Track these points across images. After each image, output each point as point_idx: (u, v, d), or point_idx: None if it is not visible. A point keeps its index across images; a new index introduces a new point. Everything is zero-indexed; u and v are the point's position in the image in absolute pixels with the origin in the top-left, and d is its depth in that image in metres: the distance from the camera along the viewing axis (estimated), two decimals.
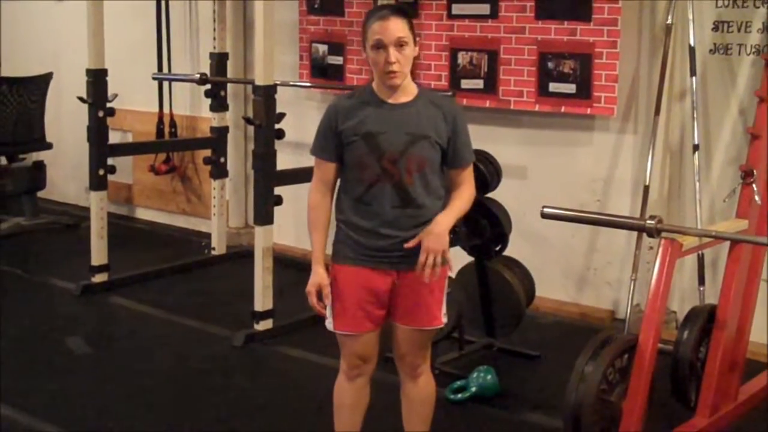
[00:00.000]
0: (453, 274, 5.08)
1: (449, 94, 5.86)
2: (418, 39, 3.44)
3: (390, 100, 3.43)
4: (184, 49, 7.80)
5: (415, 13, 6.28)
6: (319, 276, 3.48)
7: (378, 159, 3.39)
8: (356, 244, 3.47)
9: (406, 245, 3.38)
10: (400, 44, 3.33)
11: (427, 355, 3.65)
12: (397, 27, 3.33)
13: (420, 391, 3.67)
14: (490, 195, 5.20)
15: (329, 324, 3.57)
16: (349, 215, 3.48)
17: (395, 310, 3.53)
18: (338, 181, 3.55)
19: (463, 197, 3.51)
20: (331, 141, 3.47)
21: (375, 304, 3.50)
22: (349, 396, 3.66)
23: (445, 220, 3.41)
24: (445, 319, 3.60)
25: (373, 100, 3.44)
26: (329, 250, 3.56)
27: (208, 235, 7.32)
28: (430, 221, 3.41)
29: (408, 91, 3.45)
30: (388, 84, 3.39)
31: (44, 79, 8.07)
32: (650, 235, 3.82)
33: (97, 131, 6.29)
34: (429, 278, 3.36)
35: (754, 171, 4.41)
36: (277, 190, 5.51)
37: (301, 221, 3.58)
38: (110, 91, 6.30)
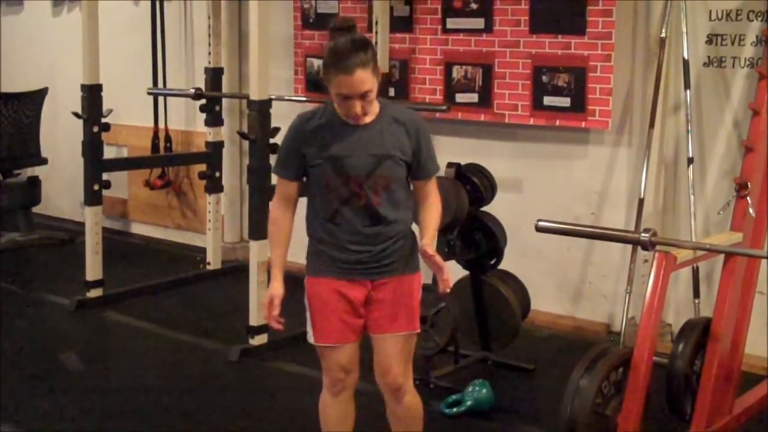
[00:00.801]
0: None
1: (443, 107, 5.88)
2: (380, 70, 3.40)
3: (352, 122, 3.41)
4: (179, 64, 7.81)
5: (409, 29, 6.31)
6: (273, 288, 3.50)
7: (345, 182, 3.39)
8: (329, 258, 3.48)
9: (441, 289, 3.44)
10: (364, 96, 3.32)
11: (408, 372, 3.60)
12: (361, 80, 3.27)
13: (407, 410, 3.63)
14: (485, 209, 5.20)
15: (310, 337, 3.57)
16: (320, 233, 3.49)
17: (372, 321, 3.52)
18: (302, 196, 3.57)
19: (434, 212, 3.53)
20: (294, 161, 3.47)
21: (352, 313, 3.50)
22: (335, 411, 3.65)
23: (431, 244, 3.43)
24: (418, 326, 3.59)
25: (336, 121, 3.42)
26: (301, 263, 3.57)
27: (203, 250, 7.31)
28: (401, 233, 3.46)
29: (371, 112, 3.42)
30: (351, 121, 3.39)
31: (39, 95, 8.08)
32: (645, 248, 3.82)
33: (91, 146, 6.29)
34: (447, 287, 3.44)
35: (749, 184, 4.42)
36: None
37: (296, 235, 3.58)
38: (105, 106, 6.29)
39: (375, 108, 3.44)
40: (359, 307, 3.51)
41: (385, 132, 3.42)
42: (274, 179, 3.58)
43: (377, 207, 3.41)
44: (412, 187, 3.55)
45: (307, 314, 3.56)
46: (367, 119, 3.42)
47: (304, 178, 3.52)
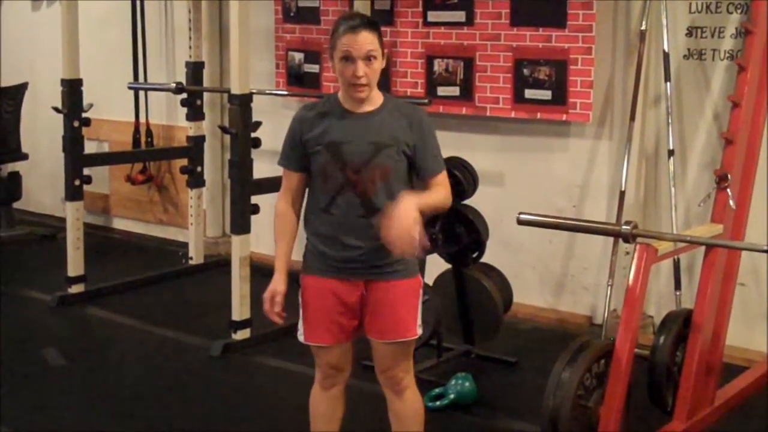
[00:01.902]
0: (430, 282, 5.09)
1: (425, 101, 5.86)
2: (386, 51, 3.41)
3: (354, 110, 3.40)
4: (160, 58, 7.78)
5: (390, 22, 6.30)
6: (275, 283, 3.46)
7: (341, 168, 3.37)
8: (323, 256, 3.45)
9: (377, 224, 3.24)
10: (368, 58, 3.31)
11: (409, 368, 3.59)
12: (366, 40, 3.30)
13: (407, 407, 3.61)
14: (466, 202, 5.21)
15: (300, 336, 3.55)
16: (315, 226, 3.47)
17: (368, 324, 3.50)
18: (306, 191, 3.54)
19: (438, 192, 3.45)
20: (297, 151, 3.45)
21: (346, 315, 3.48)
22: (324, 405, 3.64)
23: (410, 197, 3.25)
24: (420, 330, 3.55)
25: (338, 110, 3.42)
26: (298, 261, 3.54)
27: (185, 245, 7.30)
28: None
29: (373, 101, 3.42)
30: (353, 96, 3.37)
31: (19, 89, 8.04)
32: (626, 241, 3.83)
33: (72, 141, 6.26)
34: (399, 249, 3.21)
35: (729, 175, 4.43)
36: (254, 199, 5.50)
37: None
38: (86, 101, 6.27)
39: (378, 97, 3.43)
40: (354, 309, 3.48)
41: (386, 121, 3.40)
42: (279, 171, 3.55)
43: (372, 197, 3.37)
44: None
45: (300, 311, 3.54)
46: (369, 107, 3.41)
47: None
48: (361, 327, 3.53)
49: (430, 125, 3.48)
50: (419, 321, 3.54)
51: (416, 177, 3.48)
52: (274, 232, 3.54)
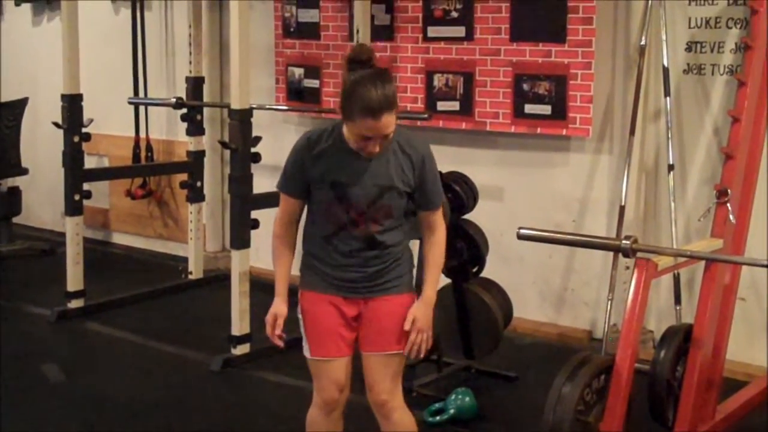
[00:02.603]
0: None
1: (425, 116, 5.88)
2: (398, 103, 3.30)
3: (365, 155, 3.35)
4: (160, 74, 7.80)
5: (390, 37, 6.32)
6: (277, 306, 3.47)
7: (345, 210, 3.37)
8: (323, 274, 3.46)
9: (405, 326, 3.43)
10: (386, 136, 3.27)
11: (396, 390, 3.55)
12: (387, 124, 3.22)
13: (397, 429, 3.56)
14: (466, 216, 5.20)
15: (307, 352, 3.53)
16: (316, 250, 3.47)
17: (362, 338, 3.50)
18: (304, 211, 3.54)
19: (439, 251, 3.52)
20: (298, 180, 3.43)
21: (346, 327, 3.49)
22: (325, 430, 3.60)
23: (431, 295, 3.48)
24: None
25: (343, 148, 3.36)
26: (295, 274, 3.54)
27: (185, 260, 7.30)
28: (395, 256, 3.45)
29: None
30: (363, 155, 3.32)
31: (20, 104, 8.05)
32: (626, 255, 3.83)
33: (72, 156, 6.27)
34: (414, 355, 3.45)
35: (729, 190, 4.43)
36: (254, 214, 5.50)
37: None
38: (86, 116, 6.28)
39: None
40: (352, 321, 3.49)
41: (391, 163, 3.38)
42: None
43: (375, 234, 3.40)
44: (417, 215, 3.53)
45: (302, 328, 3.52)
46: None
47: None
48: (357, 341, 3.54)
49: (432, 161, 3.48)
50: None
51: (416, 208, 3.49)
52: (272, 255, 3.53)
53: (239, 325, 5.52)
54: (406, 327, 3.42)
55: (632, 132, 5.44)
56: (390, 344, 3.48)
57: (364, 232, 3.40)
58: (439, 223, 3.53)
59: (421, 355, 3.51)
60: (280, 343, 3.50)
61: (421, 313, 3.45)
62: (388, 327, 3.46)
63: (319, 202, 3.42)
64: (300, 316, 3.53)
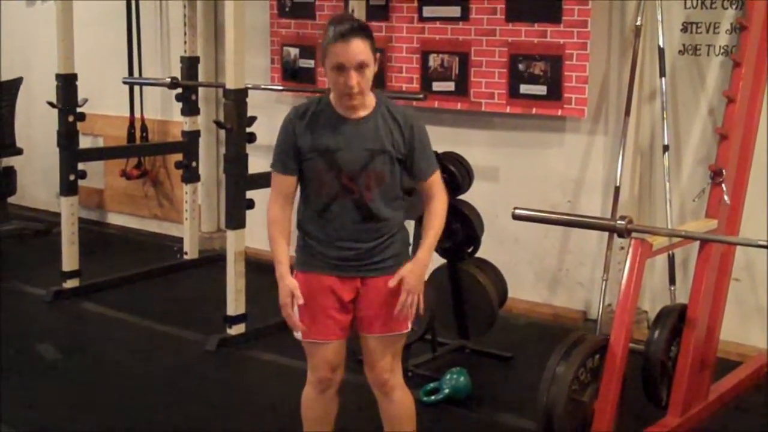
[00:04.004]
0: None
1: (420, 96, 5.87)
2: (378, 56, 3.37)
3: (347, 115, 3.37)
4: (155, 53, 7.78)
5: (385, 17, 6.30)
6: (288, 287, 3.39)
7: (336, 176, 3.35)
8: (319, 253, 3.44)
9: (389, 283, 3.36)
10: (361, 67, 3.26)
11: (396, 367, 3.56)
12: (359, 49, 3.25)
13: (397, 407, 3.58)
14: (461, 197, 5.21)
15: (297, 334, 3.52)
16: (311, 228, 3.45)
17: (361, 319, 3.50)
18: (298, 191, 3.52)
19: (437, 218, 3.45)
20: (289, 156, 3.41)
21: (341, 310, 3.47)
22: (320, 408, 3.63)
23: (424, 257, 3.41)
24: (410, 325, 3.53)
25: (331, 115, 3.38)
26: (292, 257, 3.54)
27: (180, 240, 7.29)
28: (391, 231, 3.43)
29: (365, 105, 3.38)
30: (346, 105, 3.34)
31: (14, 84, 8.03)
32: (621, 236, 3.85)
33: (67, 136, 6.26)
34: (404, 315, 3.38)
35: (723, 171, 4.44)
36: (249, 194, 5.50)
37: None
38: (80, 96, 6.27)
39: (370, 101, 3.40)
40: (348, 304, 3.48)
41: (380, 127, 3.37)
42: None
43: (369, 203, 3.37)
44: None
45: (295, 309, 3.47)
46: (362, 112, 3.38)
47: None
48: (354, 326, 3.53)
49: (422, 127, 3.47)
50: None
51: (410, 178, 3.47)
52: (269, 238, 3.47)
53: (234, 305, 5.52)
54: (391, 284, 3.35)
55: (627, 112, 5.44)
56: (389, 325, 3.47)
57: (357, 201, 3.37)
58: (436, 191, 3.48)
59: (411, 318, 3.42)
60: (304, 328, 3.44)
61: (409, 271, 3.38)
62: (389, 308, 3.44)
63: (311, 173, 3.40)
64: (299, 291, 3.52)
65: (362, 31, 3.29)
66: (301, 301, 3.40)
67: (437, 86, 6.18)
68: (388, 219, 3.42)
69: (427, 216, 3.47)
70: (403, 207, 3.51)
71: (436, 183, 3.49)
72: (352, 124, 3.37)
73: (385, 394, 3.57)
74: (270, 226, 3.47)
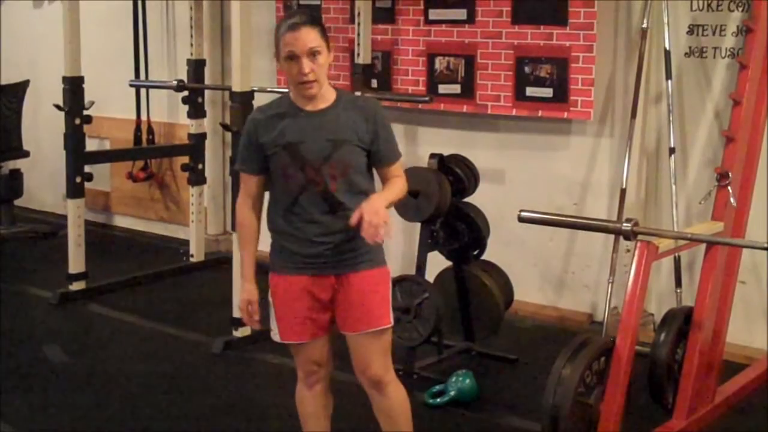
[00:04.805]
0: (431, 279, 5.10)
1: (426, 99, 5.89)
2: (332, 46, 3.41)
3: (308, 108, 3.40)
4: (162, 56, 7.79)
5: (391, 20, 6.31)
6: (248, 292, 3.50)
7: (301, 168, 3.37)
8: (292, 254, 3.45)
9: (350, 221, 3.27)
10: (312, 54, 3.30)
11: (388, 365, 3.54)
12: (308, 37, 3.29)
13: (392, 402, 3.56)
14: (467, 199, 5.21)
15: (275, 336, 3.56)
16: (281, 225, 3.47)
17: (341, 319, 3.49)
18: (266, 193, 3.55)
19: (396, 184, 3.48)
20: (254, 154, 3.45)
21: (319, 310, 3.48)
22: (311, 404, 3.65)
23: (377, 197, 3.36)
24: (392, 320, 3.52)
25: (292, 110, 3.41)
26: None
27: (186, 242, 7.30)
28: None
29: (326, 97, 3.41)
30: (303, 94, 3.37)
31: (21, 87, 8.04)
32: (627, 238, 3.84)
33: (73, 139, 6.27)
34: (372, 237, 3.23)
35: (730, 173, 4.44)
36: None
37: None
38: (87, 99, 6.28)
39: (330, 93, 3.43)
40: (326, 303, 3.48)
41: (341, 117, 3.40)
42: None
43: (334, 193, 3.38)
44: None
45: (271, 311, 3.54)
46: (323, 104, 3.41)
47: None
48: (335, 324, 3.53)
49: (384, 116, 3.49)
50: (391, 310, 3.52)
51: (373, 166, 3.49)
52: (238, 240, 3.58)
53: None
54: (352, 222, 3.25)
55: (633, 115, 5.44)
56: (373, 321, 3.46)
57: (323, 193, 3.37)
58: (399, 176, 3.51)
59: (380, 236, 3.23)
60: (259, 325, 3.54)
61: (365, 202, 3.29)
62: (367, 304, 3.45)
63: (276, 169, 3.42)
64: (270, 299, 3.55)
65: (311, 20, 3.35)
66: (256, 317, 3.50)
67: (443, 89, 6.18)
68: (354, 209, 3.35)
69: (388, 183, 3.49)
70: None
71: (398, 169, 3.52)
72: (314, 116, 3.40)
73: (379, 392, 3.55)
74: (238, 227, 3.57)
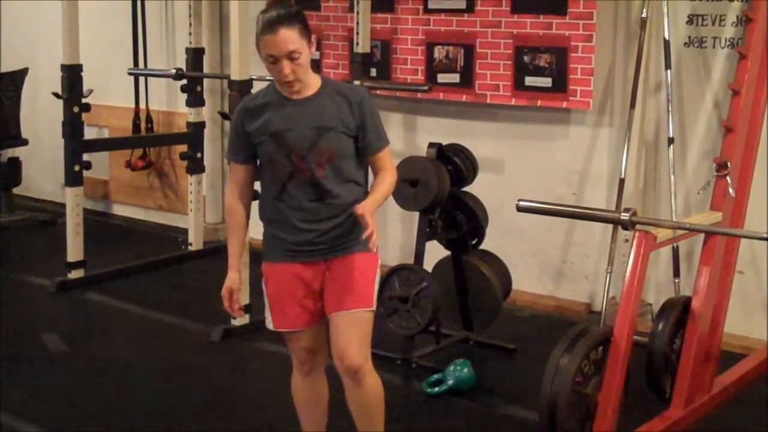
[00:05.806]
0: (429, 268, 5.10)
1: (425, 88, 5.88)
2: (313, 38, 3.39)
3: (293, 96, 3.40)
4: (160, 45, 7.78)
5: (390, 9, 6.29)
6: (231, 280, 3.51)
7: (287, 156, 3.38)
8: (282, 242, 3.47)
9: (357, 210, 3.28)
10: (292, 56, 3.28)
11: (366, 354, 3.50)
12: (286, 39, 3.26)
13: (368, 395, 3.53)
14: (466, 189, 5.21)
15: (269, 324, 3.57)
16: (271, 214, 3.48)
17: (326, 300, 3.49)
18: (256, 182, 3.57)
19: (384, 181, 3.47)
20: (242, 143, 3.47)
21: (311, 297, 3.50)
22: (306, 391, 3.67)
23: (367, 202, 3.34)
24: (375, 306, 3.50)
25: (277, 99, 3.42)
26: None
27: (184, 231, 7.30)
28: (349, 209, 3.38)
29: (310, 86, 3.41)
30: (286, 93, 3.39)
31: (19, 75, 8.03)
32: (625, 228, 3.84)
33: (72, 127, 6.26)
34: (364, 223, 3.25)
35: (728, 163, 4.44)
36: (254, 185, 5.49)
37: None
38: (86, 87, 6.27)
39: (314, 81, 3.43)
40: (318, 289, 3.49)
41: (326, 105, 3.40)
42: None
43: (321, 180, 3.38)
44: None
45: (265, 299, 3.55)
46: (307, 92, 3.41)
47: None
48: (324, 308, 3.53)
49: (371, 104, 3.48)
50: (375, 296, 3.50)
51: (361, 154, 3.48)
52: (227, 228, 3.62)
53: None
54: (363, 219, 3.24)
55: (633, 105, 5.43)
56: (356, 301, 3.45)
57: (310, 180, 3.38)
58: (386, 165, 3.50)
59: (373, 243, 3.25)
60: (241, 314, 3.58)
61: (361, 203, 3.32)
62: (353, 285, 3.45)
63: (264, 157, 3.44)
64: (264, 287, 3.56)
65: (289, 18, 3.29)
66: (237, 305, 3.53)
67: (442, 78, 6.18)
68: (342, 196, 3.40)
69: (377, 180, 3.48)
70: (363, 186, 3.52)
71: (386, 158, 3.51)
72: (299, 105, 3.40)
73: (356, 381, 3.50)
74: (226, 215, 3.61)
